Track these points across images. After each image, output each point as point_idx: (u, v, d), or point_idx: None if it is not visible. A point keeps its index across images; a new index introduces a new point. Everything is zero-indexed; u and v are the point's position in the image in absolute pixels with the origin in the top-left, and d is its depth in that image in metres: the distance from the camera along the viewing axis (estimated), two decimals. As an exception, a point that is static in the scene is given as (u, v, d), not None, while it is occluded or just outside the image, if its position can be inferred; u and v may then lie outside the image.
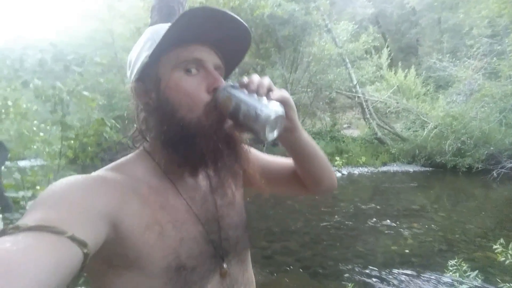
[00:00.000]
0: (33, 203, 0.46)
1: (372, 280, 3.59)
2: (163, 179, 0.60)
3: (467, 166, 8.36)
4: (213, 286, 0.60)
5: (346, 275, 3.73)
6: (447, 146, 8.60)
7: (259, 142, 0.59)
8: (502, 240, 2.31)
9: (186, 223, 0.59)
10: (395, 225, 5.26)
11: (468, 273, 2.35)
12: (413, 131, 10.57)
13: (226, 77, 0.66)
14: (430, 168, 9.27)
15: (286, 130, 0.63)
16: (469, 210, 6.08)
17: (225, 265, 0.62)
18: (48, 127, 3.68)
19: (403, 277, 3.61)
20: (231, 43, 0.61)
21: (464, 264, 2.37)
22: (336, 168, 9.84)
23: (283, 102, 0.57)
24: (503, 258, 2.23)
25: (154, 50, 0.56)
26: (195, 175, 0.65)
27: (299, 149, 0.70)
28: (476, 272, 2.32)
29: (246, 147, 0.62)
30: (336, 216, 5.80)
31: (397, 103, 10.97)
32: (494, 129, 8.28)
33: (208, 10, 0.54)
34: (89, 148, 3.02)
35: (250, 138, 0.63)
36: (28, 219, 0.41)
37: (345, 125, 14.54)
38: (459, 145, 8.49)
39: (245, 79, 0.57)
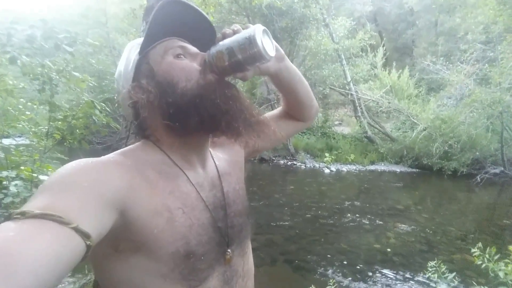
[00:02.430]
0: (42, 186, 0.46)
1: (354, 277, 3.66)
2: (172, 166, 0.61)
3: (452, 170, 8.54)
4: (217, 278, 0.61)
5: (329, 270, 3.80)
6: (434, 149, 8.76)
7: (264, 64, 0.62)
8: (480, 244, 2.37)
9: (195, 210, 0.59)
10: (379, 223, 5.37)
11: (446, 275, 2.41)
12: (403, 132, 10.72)
13: None
14: (417, 170, 9.45)
15: (276, 59, 0.68)
16: (452, 212, 6.24)
17: (229, 251, 0.64)
18: (35, 106, 3.58)
19: (383, 275, 3.70)
20: (201, 34, 0.66)
21: (443, 266, 2.43)
22: (325, 164, 9.93)
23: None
24: (480, 262, 2.29)
25: (142, 45, 0.61)
26: (204, 154, 0.67)
27: (289, 77, 0.75)
28: (454, 274, 2.39)
29: (246, 96, 0.63)
30: (322, 212, 5.88)
31: (389, 103, 11.07)
32: (481, 134, 8.46)
33: (177, 5, 0.60)
34: (77, 130, 2.96)
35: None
36: (34, 205, 0.41)
37: (336, 122, 14.63)
38: (446, 148, 8.66)
39: (219, 35, 0.62)
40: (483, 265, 2.28)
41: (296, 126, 0.89)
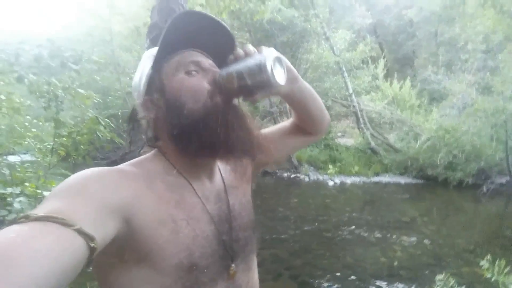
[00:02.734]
0: (49, 194, 0.47)
1: (361, 291, 3.59)
2: (179, 177, 0.61)
3: (458, 180, 8.45)
4: None
5: (335, 286, 3.73)
6: (439, 159, 8.69)
7: (274, 91, 0.60)
8: (489, 257, 2.33)
9: (200, 222, 0.59)
10: (385, 236, 5.29)
11: (455, 289, 2.36)
12: (406, 143, 10.67)
13: None
14: (422, 181, 9.35)
15: (289, 80, 0.65)
16: (459, 224, 6.14)
17: (233, 266, 0.63)
18: (40, 123, 3.63)
19: (391, 289, 3.63)
20: (220, 48, 0.65)
21: (451, 280, 2.38)
22: (329, 176, 9.87)
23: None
24: (490, 275, 2.25)
25: (155, 59, 0.61)
26: (211, 168, 0.66)
27: (301, 97, 0.74)
28: (463, 287, 2.34)
29: (256, 123, 0.64)
30: (326, 225, 5.81)
31: (391, 114, 11.08)
32: (485, 144, 8.40)
33: (193, 15, 0.60)
34: (82, 146, 2.99)
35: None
36: (40, 209, 0.42)
37: (339, 134, 14.61)
38: (451, 158, 8.59)
39: (231, 56, 0.61)
40: (493, 278, 2.24)
41: (307, 140, 0.88)
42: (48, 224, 0.39)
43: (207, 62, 0.64)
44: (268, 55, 0.56)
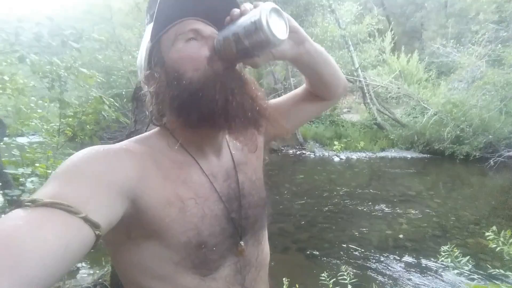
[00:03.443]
0: (54, 174, 0.46)
1: (366, 263, 3.67)
2: (185, 155, 0.60)
3: (464, 154, 8.39)
4: (229, 268, 0.61)
5: (341, 257, 3.82)
6: (446, 134, 8.60)
7: (276, 51, 0.57)
8: (494, 228, 2.34)
9: (208, 200, 0.58)
10: (390, 210, 5.34)
11: (460, 259, 2.39)
12: (413, 117, 10.54)
13: None
14: (428, 155, 9.32)
15: (295, 43, 0.62)
16: (464, 197, 6.16)
17: (242, 243, 0.63)
18: (46, 104, 3.63)
19: (396, 261, 3.70)
20: (221, 14, 0.61)
21: (456, 250, 2.41)
22: (335, 152, 9.87)
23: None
24: (494, 245, 2.27)
25: (153, 31, 0.59)
26: (216, 131, 0.62)
27: (311, 61, 0.68)
28: (468, 258, 2.37)
29: (261, 91, 0.60)
30: (332, 200, 5.87)
31: (398, 88, 10.87)
32: (494, 117, 8.26)
33: None
34: (88, 126, 3.00)
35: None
36: (45, 193, 0.41)
37: (345, 109, 14.47)
38: (458, 132, 8.49)
39: (227, 17, 0.57)
40: (498, 248, 2.26)
41: (321, 105, 0.82)
42: (54, 211, 0.39)
43: (207, 29, 0.61)
44: (263, 9, 0.50)
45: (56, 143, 2.89)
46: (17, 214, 0.38)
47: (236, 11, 0.56)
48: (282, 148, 10.73)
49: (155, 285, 0.54)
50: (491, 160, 7.71)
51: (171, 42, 0.59)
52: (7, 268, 0.32)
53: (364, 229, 4.65)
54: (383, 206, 5.50)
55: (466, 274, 2.60)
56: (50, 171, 2.81)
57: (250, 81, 0.59)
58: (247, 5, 0.56)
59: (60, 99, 2.85)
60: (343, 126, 11.89)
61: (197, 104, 0.55)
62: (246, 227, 0.65)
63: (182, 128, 0.60)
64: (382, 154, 9.75)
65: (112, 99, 2.97)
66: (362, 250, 4.00)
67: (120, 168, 0.50)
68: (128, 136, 1.67)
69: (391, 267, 3.58)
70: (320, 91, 0.78)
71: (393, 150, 9.96)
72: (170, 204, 0.53)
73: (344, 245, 4.12)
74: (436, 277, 3.21)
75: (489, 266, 2.77)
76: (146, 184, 0.52)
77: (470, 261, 2.35)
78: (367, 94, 11.65)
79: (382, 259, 3.77)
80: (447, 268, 2.52)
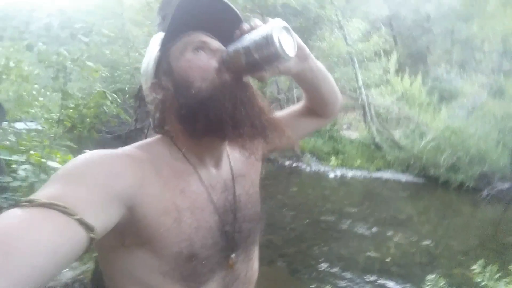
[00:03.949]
0: (54, 176, 0.46)
1: (351, 285, 3.66)
2: (186, 164, 0.61)
3: (459, 183, 8.43)
4: (217, 282, 0.61)
5: (326, 276, 3.80)
6: (442, 160, 8.65)
7: (283, 66, 0.58)
8: (481, 261, 2.36)
9: (203, 212, 0.59)
10: (380, 232, 5.33)
11: (445, 291, 2.40)
12: (411, 140, 10.58)
13: None
14: (423, 180, 9.34)
15: (299, 59, 0.63)
16: (455, 226, 6.16)
17: (233, 256, 0.63)
18: (48, 93, 3.64)
19: (381, 286, 3.69)
20: (227, 29, 0.63)
21: (441, 281, 2.42)
22: (331, 168, 9.89)
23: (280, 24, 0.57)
24: (480, 279, 2.28)
25: (163, 42, 0.61)
26: (221, 140, 0.63)
27: (313, 77, 0.70)
28: (452, 290, 2.38)
29: (267, 102, 0.61)
30: (323, 216, 5.86)
31: (399, 109, 10.95)
32: (491, 148, 8.32)
33: None
34: (88, 119, 3.00)
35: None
36: (43, 194, 0.42)
37: (345, 126, 14.52)
38: (454, 160, 8.54)
39: (237, 31, 0.59)
40: (482, 283, 2.27)
41: (319, 122, 0.86)
42: (50, 211, 0.40)
43: (215, 43, 0.63)
44: (274, 26, 0.53)
45: (54, 133, 2.89)
46: (13, 213, 0.39)
47: (246, 25, 0.59)
48: (279, 159, 10.74)
49: None
50: (484, 192, 7.74)
51: (180, 51, 0.60)
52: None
53: (351, 249, 4.64)
54: (373, 227, 5.50)
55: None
56: (44, 161, 2.80)
57: (257, 93, 0.61)
58: (257, 21, 0.58)
59: (63, 89, 2.86)
60: (341, 142, 11.92)
61: (205, 112, 0.56)
62: (238, 241, 0.64)
63: (185, 137, 0.61)
64: (377, 174, 9.78)
65: (115, 95, 2.98)
66: (348, 271, 3.98)
67: (121, 174, 0.50)
68: (128, 134, 1.67)
69: (375, 290, 3.57)
70: (318, 107, 0.81)
71: (388, 171, 9.99)
72: (167, 213, 0.54)
73: (331, 264, 4.10)
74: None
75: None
76: (145, 192, 0.52)
77: (454, 293, 2.37)
78: (368, 113, 11.73)
79: (366, 282, 3.75)
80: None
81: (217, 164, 0.66)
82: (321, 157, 10.84)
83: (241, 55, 0.55)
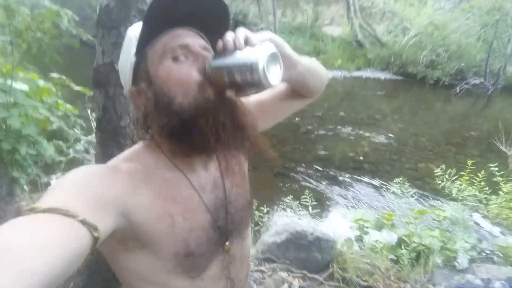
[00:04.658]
0: (50, 188, 0.48)
1: (328, 182, 4.07)
2: (174, 171, 0.61)
3: (435, 79, 8.64)
4: (215, 266, 0.66)
5: (306, 177, 4.18)
6: (422, 57, 8.65)
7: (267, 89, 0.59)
8: (443, 166, 2.63)
9: (196, 214, 0.61)
10: (356, 132, 5.67)
11: (408, 190, 2.74)
12: (394, 36, 10.32)
13: None
14: (401, 77, 9.50)
15: (287, 68, 0.62)
16: (426, 123, 6.59)
17: (227, 244, 0.67)
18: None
19: (354, 182, 4.12)
20: (211, 19, 0.59)
21: (406, 183, 2.73)
22: (311, 69, 9.76)
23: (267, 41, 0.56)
24: (440, 182, 2.58)
25: (138, 45, 0.56)
26: (206, 158, 0.65)
27: (301, 78, 0.71)
28: (415, 191, 2.72)
29: (248, 110, 0.60)
30: (304, 120, 6.08)
31: (384, 3, 10.30)
32: (471, 44, 8.29)
33: None
34: (45, 40, 2.69)
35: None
36: (43, 202, 0.43)
37: (327, 21, 13.73)
38: (434, 57, 8.56)
39: (219, 43, 0.55)
40: (442, 185, 2.59)
41: (302, 103, 0.84)
42: (53, 215, 0.41)
43: (196, 44, 0.57)
44: (261, 54, 0.50)
45: (12, 62, 2.62)
46: (18, 220, 0.40)
47: (230, 43, 0.53)
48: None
49: None
50: (458, 87, 8.04)
51: (158, 57, 0.56)
52: (9, 267, 0.34)
53: (329, 151, 4.99)
54: (349, 128, 5.81)
55: (412, 201, 3.00)
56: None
57: (240, 106, 0.58)
58: (241, 38, 0.53)
59: (5, 5, 2.47)
60: (323, 40, 11.48)
61: (189, 135, 0.55)
62: (232, 230, 0.68)
63: (170, 145, 0.60)
64: (357, 73, 9.80)
65: (70, 12, 2.61)
66: (326, 170, 4.37)
67: (114, 184, 0.52)
68: (97, 70, 1.60)
69: (349, 187, 4.00)
70: (304, 93, 0.79)
71: (368, 70, 10.01)
72: (161, 220, 0.56)
73: (310, 165, 4.46)
74: (388, 200, 3.65)
75: (431, 198, 3.19)
76: (138, 201, 0.54)
77: (417, 193, 2.72)
78: (351, 6, 10.98)
79: (341, 179, 4.17)
80: (398, 195, 2.88)
81: (205, 164, 0.66)
82: (302, 58, 10.56)
83: (224, 74, 0.53)
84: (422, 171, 4.48)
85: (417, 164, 4.71)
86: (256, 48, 0.51)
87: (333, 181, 4.15)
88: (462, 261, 2.23)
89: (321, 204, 3.47)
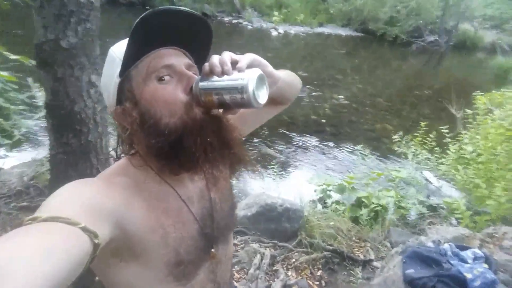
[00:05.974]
0: (45, 201, 0.48)
1: (292, 147, 4.18)
2: (163, 184, 0.62)
3: (393, 36, 8.82)
4: (203, 272, 0.69)
5: (271, 142, 4.24)
6: (382, 13, 8.70)
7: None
8: (401, 133, 2.80)
9: (185, 224, 0.63)
10: (318, 94, 5.75)
11: (369, 156, 2.91)
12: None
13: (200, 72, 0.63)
14: (361, 34, 9.56)
15: (270, 86, 0.64)
16: (383, 83, 6.83)
17: (213, 250, 0.70)
18: None
19: (317, 144, 4.27)
20: (195, 38, 0.60)
21: (367, 150, 2.88)
22: (273, 24, 9.46)
23: (253, 65, 0.57)
24: (397, 148, 2.76)
25: (122, 68, 0.56)
26: (193, 174, 0.66)
27: (281, 91, 0.74)
28: (374, 157, 2.88)
29: (234, 126, 0.61)
30: (267, 83, 6.00)
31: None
32: (430, 0, 8.45)
33: (160, 12, 0.54)
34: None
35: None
36: (43, 212, 0.44)
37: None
38: (394, 14, 8.65)
39: (206, 66, 0.55)
40: (399, 151, 2.77)
41: (279, 109, 0.87)
42: (55, 224, 0.42)
43: (181, 63, 0.57)
44: (250, 78, 0.51)
45: None
46: (19, 230, 0.40)
47: (217, 66, 0.53)
48: (217, 14, 9.82)
49: None
50: (414, 45, 8.31)
51: (143, 79, 0.56)
52: (21, 269, 0.35)
53: (293, 114, 5.05)
54: (312, 90, 5.87)
55: (371, 166, 3.20)
56: None
57: (226, 123, 0.59)
58: (227, 62, 0.53)
59: None
60: (284, -7, 11.02)
61: (177, 155, 0.56)
62: (218, 236, 0.71)
63: (156, 162, 0.61)
64: (319, 30, 9.70)
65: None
66: (290, 133, 4.47)
67: (109, 196, 0.53)
68: (39, 47, 1.46)
69: (312, 150, 4.15)
70: (280, 102, 0.82)
71: (329, 26, 9.92)
72: (154, 231, 0.58)
73: (275, 130, 4.52)
74: (349, 164, 3.84)
75: (388, 162, 3.41)
76: (132, 214, 0.56)
77: (376, 158, 2.90)
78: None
79: (305, 144, 4.30)
80: (359, 160, 3.07)
81: (192, 176, 0.67)
82: (263, 11, 10.14)
83: (212, 96, 0.54)
84: (379, 131, 4.73)
85: (374, 124, 4.96)
86: (244, 72, 0.53)
87: (297, 146, 4.26)
88: (412, 216, 2.52)
89: (286, 171, 3.59)
